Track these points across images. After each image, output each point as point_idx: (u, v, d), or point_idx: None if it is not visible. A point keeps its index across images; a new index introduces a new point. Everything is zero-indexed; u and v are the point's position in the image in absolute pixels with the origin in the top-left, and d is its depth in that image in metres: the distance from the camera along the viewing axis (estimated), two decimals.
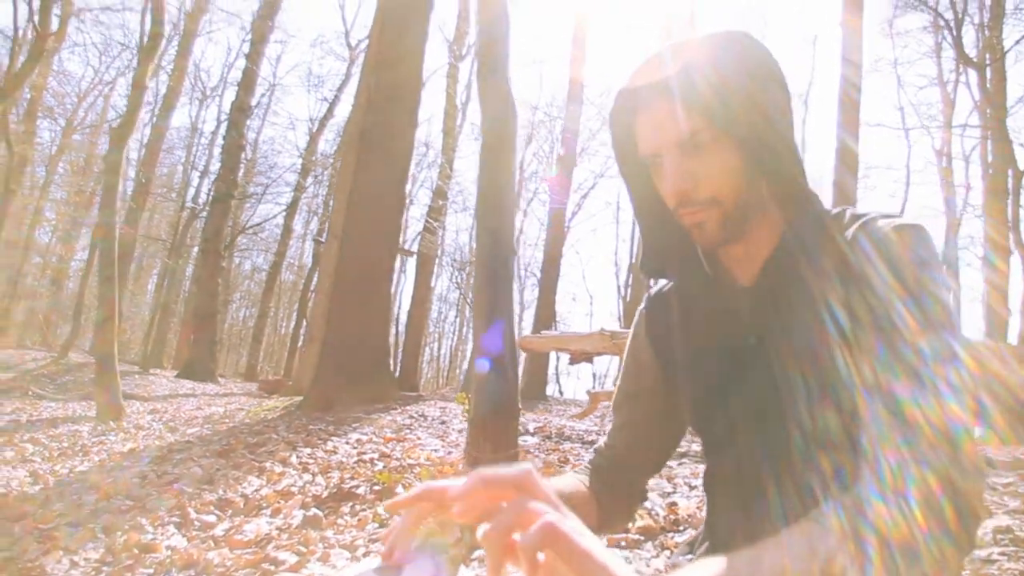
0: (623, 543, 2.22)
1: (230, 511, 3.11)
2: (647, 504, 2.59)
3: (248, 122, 17.17)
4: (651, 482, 3.01)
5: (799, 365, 0.71)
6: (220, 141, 16.98)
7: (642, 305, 0.98)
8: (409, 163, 8.24)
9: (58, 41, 13.92)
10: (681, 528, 2.38)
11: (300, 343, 17.75)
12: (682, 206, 0.74)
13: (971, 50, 12.61)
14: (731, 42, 0.73)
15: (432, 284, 21.42)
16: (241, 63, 17.70)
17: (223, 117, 20.14)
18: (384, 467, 3.67)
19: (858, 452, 0.60)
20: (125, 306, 16.18)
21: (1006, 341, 10.21)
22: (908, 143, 18.78)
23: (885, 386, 0.59)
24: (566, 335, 7.57)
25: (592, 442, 4.54)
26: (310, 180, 21.71)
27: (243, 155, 16.95)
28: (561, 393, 20.72)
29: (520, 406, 3.36)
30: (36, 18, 10.70)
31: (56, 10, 11.68)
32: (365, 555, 2.39)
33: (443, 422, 5.53)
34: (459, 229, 25.07)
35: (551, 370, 18.37)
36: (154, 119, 18.01)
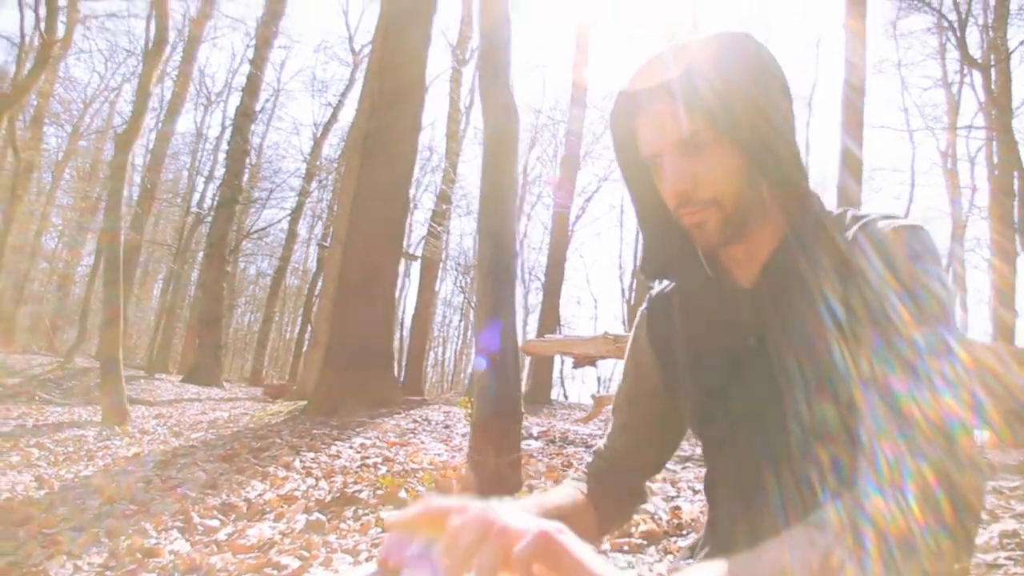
0: (626, 547, 2.21)
1: (233, 515, 3.12)
2: (650, 508, 2.58)
3: (253, 127, 17.25)
4: (655, 486, 3.01)
5: (799, 366, 0.71)
6: (225, 146, 17.01)
7: (643, 307, 0.98)
8: (413, 167, 8.25)
9: (64, 48, 14.03)
10: (684, 532, 2.37)
11: (305, 347, 17.78)
12: (682, 206, 0.74)
13: (975, 51, 12.55)
14: (732, 43, 0.73)
15: (436, 288, 21.45)
16: (245, 68, 17.75)
17: (228, 122, 20.22)
18: (387, 471, 3.67)
19: (856, 445, 0.60)
20: (130, 311, 16.25)
21: (1013, 343, 10.15)
22: (913, 145, 18.75)
23: (881, 379, 0.60)
24: (569, 339, 7.57)
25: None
26: (314, 185, 21.80)
27: (248, 160, 17.01)
28: (566, 397, 20.67)
29: (523, 409, 3.35)
30: (42, 25, 10.77)
31: (62, 17, 11.78)
32: (368, 559, 2.38)
33: (447, 426, 5.52)
34: (463, 233, 25.10)
35: (555, 374, 18.37)
36: (159, 125, 18.10)
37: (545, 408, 12.72)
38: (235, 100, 18.02)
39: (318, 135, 21.58)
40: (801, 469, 0.70)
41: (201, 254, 18.33)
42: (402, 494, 3.12)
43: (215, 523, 2.98)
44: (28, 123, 17.07)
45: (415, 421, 5.78)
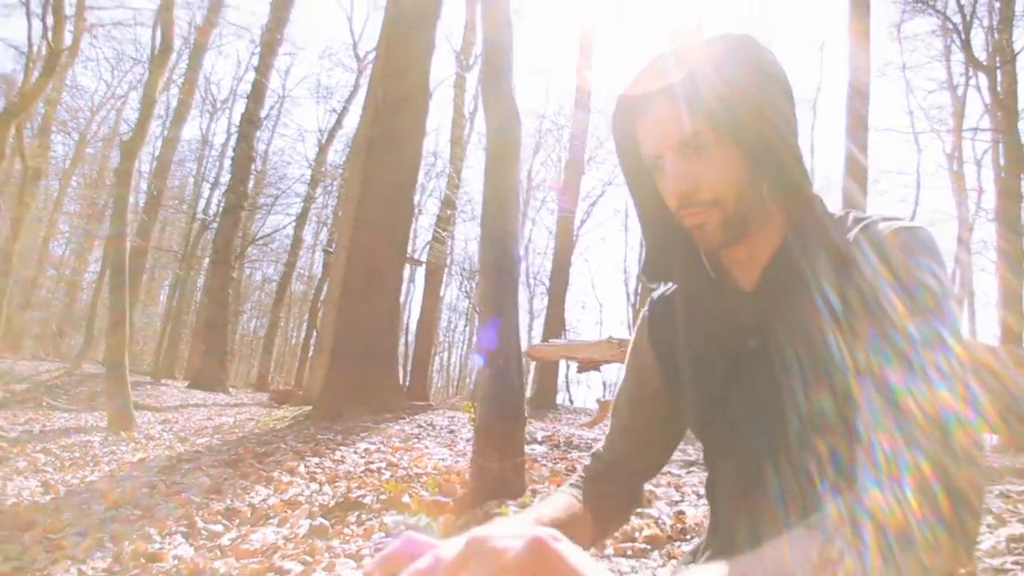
0: (629, 552, 2.20)
1: (237, 520, 3.12)
2: (654, 513, 2.57)
3: (258, 134, 17.34)
4: (659, 491, 3.00)
5: (801, 368, 0.71)
6: (230, 153, 17.07)
7: (644, 309, 0.98)
8: (417, 172, 8.27)
9: (71, 56, 14.13)
10: (688, 537, 2.36)
11: (311, 353, 17.80)
12: (683, 207, 0.74)
13: (980, 53, 12.52)
14: (734, 44, 0.73)
15: (441, 293, 21.49)
16: (251, 76, 17.88)
17: (233, 129, 20.36)
18: (391, 476, 3.67)
19: (855, 438, 0.60)
20: (137, 317, 16.31)
21: (1021, 346, 10.08)
22: (918, 147, 18.68)
23: (877, 371, 0.60)
24: (574, 343, 7.56)
25: None
26: (319, 191, 21.86)
27: (253, 166, 17.10)
28: (571, 402, 20.66)
29: (526, 414, 3.35)
30: (50, 34, 10.86)
31: (69, 26, 11.88)
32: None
33: (451, 431, 5.52)
34: (468, 239, 25.15)
35: (561, 379, 18.35)
36: (165, 132, 18.21)
37: (550, 413, 12.70)
38: (240, 107, 18.09)
39: (323, 141, 21.66)
40: (802, 468, 0.70)
41: (207, 260, 18.38)
42: (405, 499, 3.11)
43: (219, 528, 2.98)
44: (36, 131, 17.22)
45: (420, 426, 5.78)
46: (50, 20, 11.03)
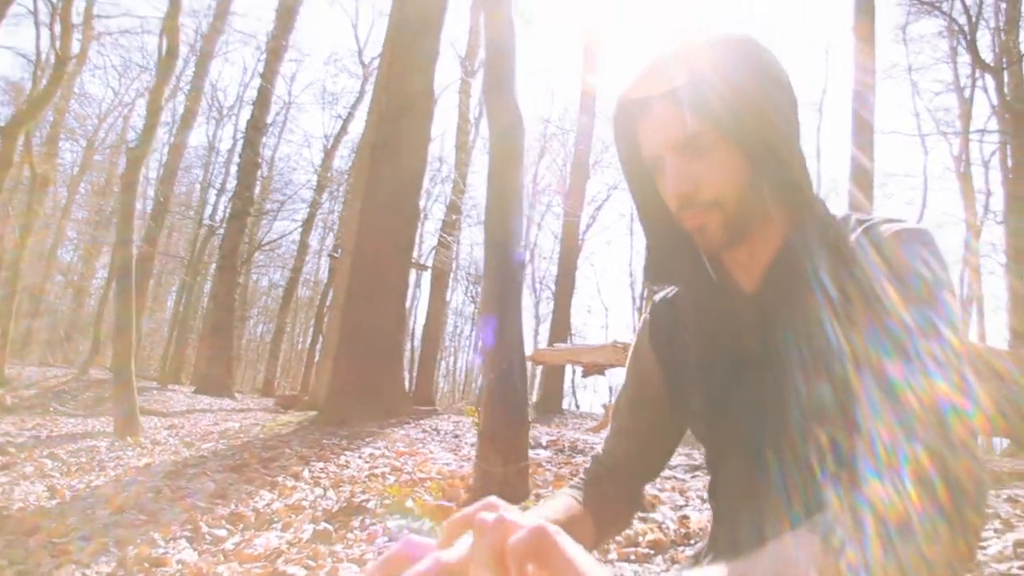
0: (632, 556, 2.19)
1: (241, 525, 3.12)
2: (658, 517, 2.56)
3: (264, 140, 17.41)
4: (663, 495, 2.98)
5: (803, 371, 0.71)
6: (236, 159, 17.20)
7: (646, 312, 0.97)
8: (422, 177, 8.28)
9: (79, 64, 14.24)
10: (692, 542, 2.34)
11: (317, 358, 17.84)
12: (684, 209, 0.74)
13: (987, 54, 12.46)
14: (734, 45, 0.73)
15: (447, 298, 21.47)
16: (256, 82, 17.93)
17: (239, 135, 20.41)
18: (395, 481, 3.67)
19: (855, 430, 0.61)
20: (144, 322, 16.38)
21: None
22: (925, 150, 18.59)
23: (875, 362, 0.61)
24: (578, 348, 7.56)
25: None
26: (325, 196, 21.95)
27: (259, 172, 17.17)
28: (577, 406, 20.62)
29: (530, 417, 3.34)
30: (58, 43, 10.95)
31: (77, 34, 11.97)
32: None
33: (456, 436, 5.51)
34: (473, 243, 25.17)
35: (567, 384, 18.31)
36: (172, 138, 18.32)
37: (556, 417, 12.67)
38: (246, 113, 18.20)
39: (329, 147, 21.76)
40: (806, 466, 0.70)
41: (214, 266, 18.45)
42: (409, 503, 3.11)
43: (223, 532, 2.98)
44: (44, 138, 17.36)
45: (424, 431, 5.78)
46: (58, 29, 11.13)
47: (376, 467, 4.13)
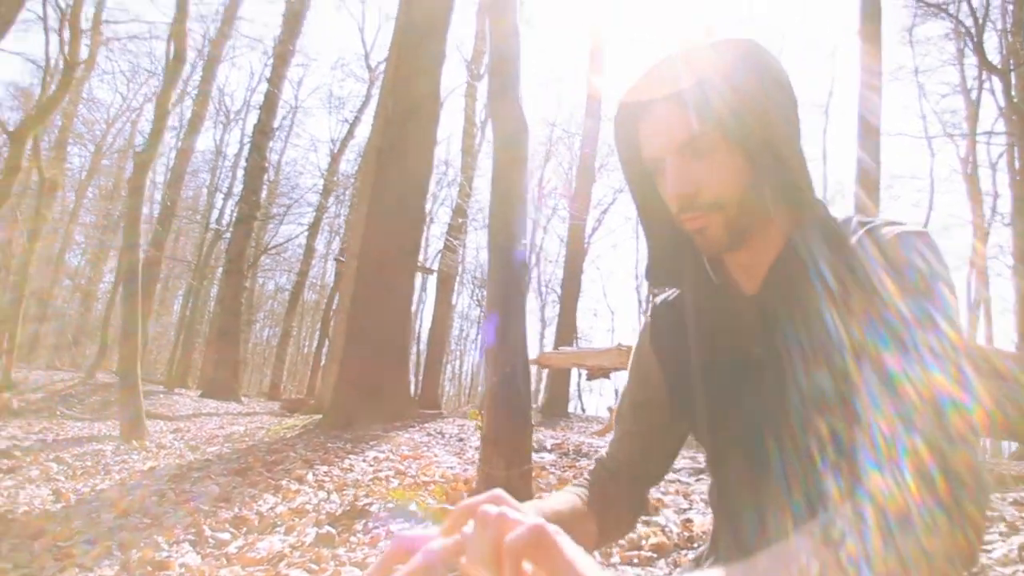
0: (635, 560, 2.18)
1: (244, 528, 3.12)
2: (661, 521, 2.54)
3: (270, 144, 17.50)
4: (667, 499, 2.97)
5: (806, 374, 0.70)
6: (243, 163, 17.25)
7: (647, 315, 0.97)
8: (428, 181, 8.30)
9: (88, 69, 14.36)
10: (695, 545, 2.33)
11: (323, 362, 17.87)
12: (684, 211, 0.74)
13: (994, 56, 12.40)
14: (736, 48, 0.73)
15: (453, 302, 21.51)
16: (263, 87, 18.07)
17: (246, 140, 20.55)
18: (399, 484, 3.66)
19: (855, 423, 0.61)
20: (150, 326, 16.44)
21: None
22: (932, 152, 18.49)
23: (874, 354, 0.61)
24: (583, 351, 7.54)
25: None
26: (332, 200, 22.03)
27: (266, 177, 17.26)
28: (583, 410, 20.56)
29: (534, 421, 3.34)
30: (66, 48, 11.04)
31: (86, 40, 12.06)
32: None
33: (461, 439, 5.51)
34: (479, 247, 25.22)
35: (573, 387, 18.29)
36: (179, 143, 18.42)
37: (562, 421, 12.64)
38: (253, 118, 18.28)
39: (335, 151, 21.82)
40: (810, 466, 0.69)
41: (220, 270, 18.53)
42: (413, 507, 3.10)
43: (226, 536, 2.99)
44: (52, 143, 17.47)
45: (429, 434, 5.78)
46: (67, 34, 11.21)
47: (380, 470, 4.13)
